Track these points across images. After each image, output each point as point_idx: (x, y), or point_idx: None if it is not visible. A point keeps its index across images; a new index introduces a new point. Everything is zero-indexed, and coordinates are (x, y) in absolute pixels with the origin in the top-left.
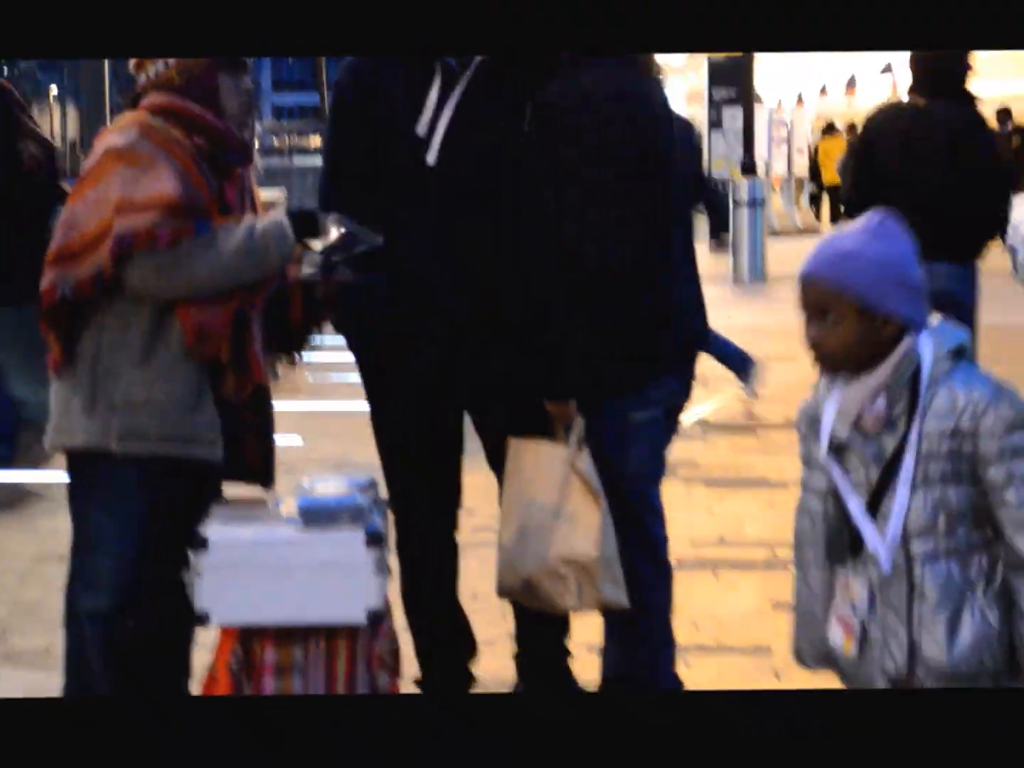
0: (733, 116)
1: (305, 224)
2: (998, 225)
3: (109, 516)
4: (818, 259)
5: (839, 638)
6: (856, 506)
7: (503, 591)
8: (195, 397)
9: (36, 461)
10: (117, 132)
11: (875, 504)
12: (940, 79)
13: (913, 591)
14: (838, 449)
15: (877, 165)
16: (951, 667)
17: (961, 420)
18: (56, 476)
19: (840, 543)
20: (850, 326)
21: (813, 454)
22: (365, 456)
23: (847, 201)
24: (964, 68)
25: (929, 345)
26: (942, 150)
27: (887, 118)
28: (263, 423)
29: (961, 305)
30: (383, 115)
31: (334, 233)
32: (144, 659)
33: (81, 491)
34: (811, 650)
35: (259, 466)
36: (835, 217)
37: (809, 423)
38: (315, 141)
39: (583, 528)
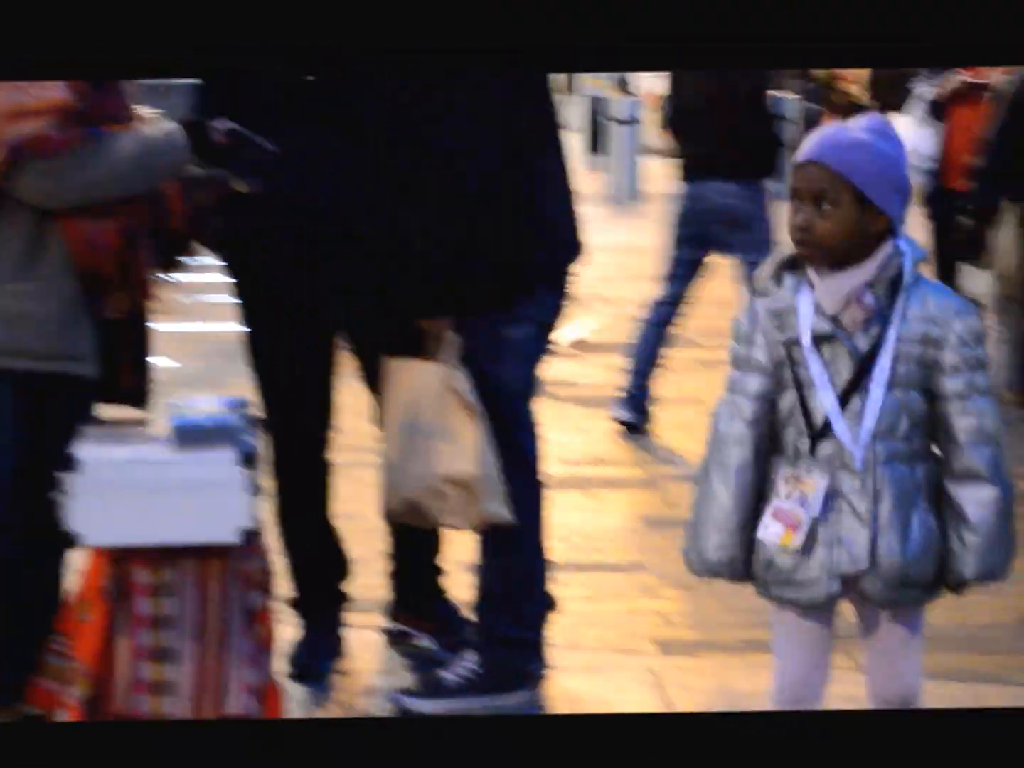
0: None
1: (196, 132)
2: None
3: None
4: (824, 145)
5: (775, 533)
6: (832, 402)
7: (388, 512)
8: (74, 314)
9: None
10: None
11: (843, 402)
12: None
13: (875, 492)
14: (796, 344)
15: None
16: (902, 570)
17: (932, 327)
18: None
19: (787, 441)
20: (846, 213)
21: (753, 356)
22: (237, 377)
23: None
24: None
25: (907, 251)
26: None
27: None
28: (140, 343)
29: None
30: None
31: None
32: (18, 577)
33: None
34: (714, 555)
35: (135, 387)
36: None
37: (767, 319)
38: None
39: (463, 446)
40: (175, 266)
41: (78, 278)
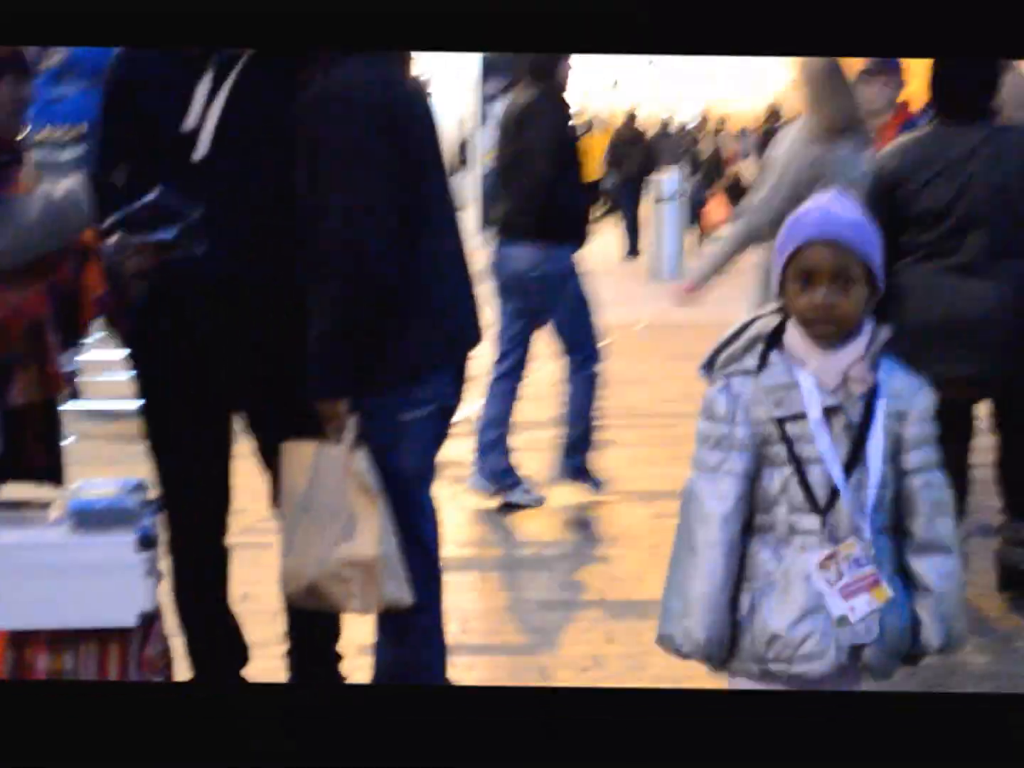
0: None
1: (103, 190)
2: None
3: None
4: (838, 224)
5: (864, 603)
6: (840, 475)
7: (288, 597)
8: None
9: None
10: None
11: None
12: None
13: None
14: (792, 421)
15: None
16: (902, 639)
17: (898, 401)
18: None
19: (775, 520)
20: (861, 291)
21: (736, 435)
22: (134, 456)
23: None
24: None
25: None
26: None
27: None
28: (50, 423)
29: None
30: (150, 108)
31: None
32: None
33: None
34: (704, 635)
35: (44, 465)
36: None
37: (757, 397)
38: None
39: (363, 529)
40: (77, 346)
41: None
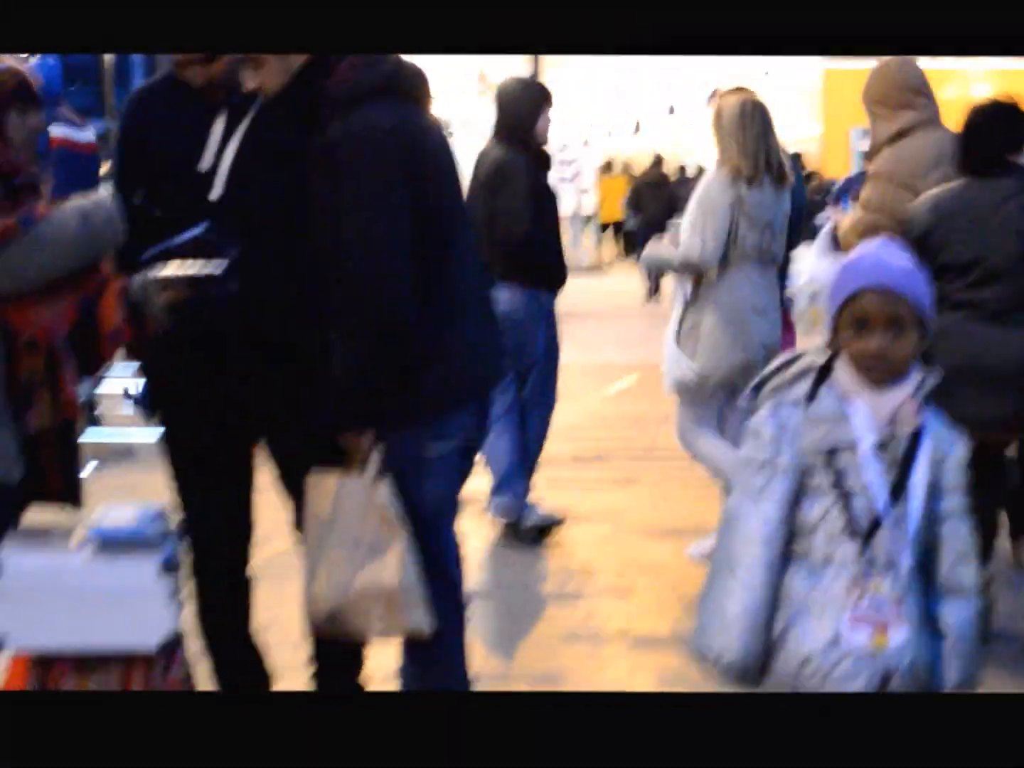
0: None
1: (135, 214)
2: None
3: None
4: (892, 272)
5: (865, 636)
6: (885, 504)
7: (311, 624)
8: (3, 414)
9: None
10: None
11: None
12: None
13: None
14: (838, 452)
15: None
16: (927, 672)
17: (938, 446)
18: None
19: (813, 546)
20: (912, 335)
21: (780, 461)
22: (154, 485)
23: None
24: None
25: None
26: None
27: None
28: (68, 448)
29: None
30: (164, 149)
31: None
32: None
33: None
34: (741, 656)
35: (63, 488)
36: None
37: (804, 427)
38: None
39: (385, 559)
40: (96, 374)
41: (3, 384)
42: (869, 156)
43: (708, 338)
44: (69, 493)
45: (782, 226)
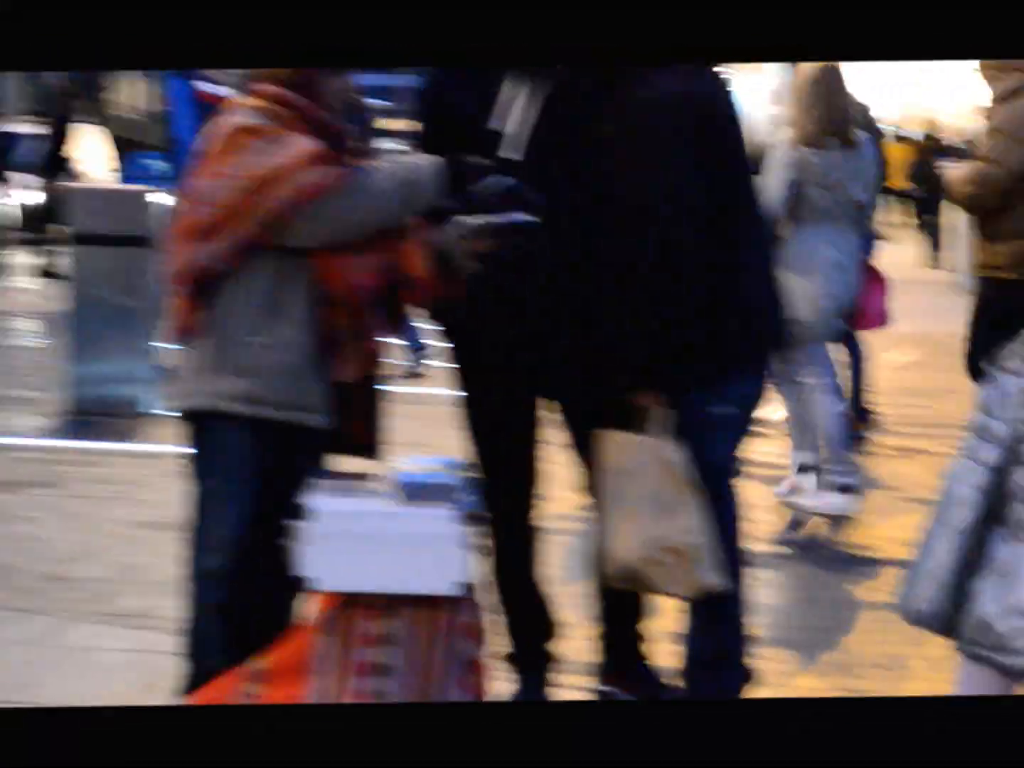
0: None
1: (456, 174)
2: None
3: (224, 478)
4: None
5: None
6: None
7: (604, 580)
8: (308, 368)
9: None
10: (239, 113)
11: None
12: None
13: None
14: None
15: None
16: None
17: None
18: (156, 448)
19: (1014, 515)
20: None
21: (994, 428)
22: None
23: None
24: None
25: None
26: None
27: None
28: (371, 400)
29: None
30: (469, 125)
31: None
32: (252, 621)
33: (199, 454)
34: (923, 607)
35: (366, 440)
36: None
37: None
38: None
39: (681, 516)
40: (397, 328)
41: (314, 334)
42: (988, 114)
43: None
44: (369, 445)
45: (865, 185)
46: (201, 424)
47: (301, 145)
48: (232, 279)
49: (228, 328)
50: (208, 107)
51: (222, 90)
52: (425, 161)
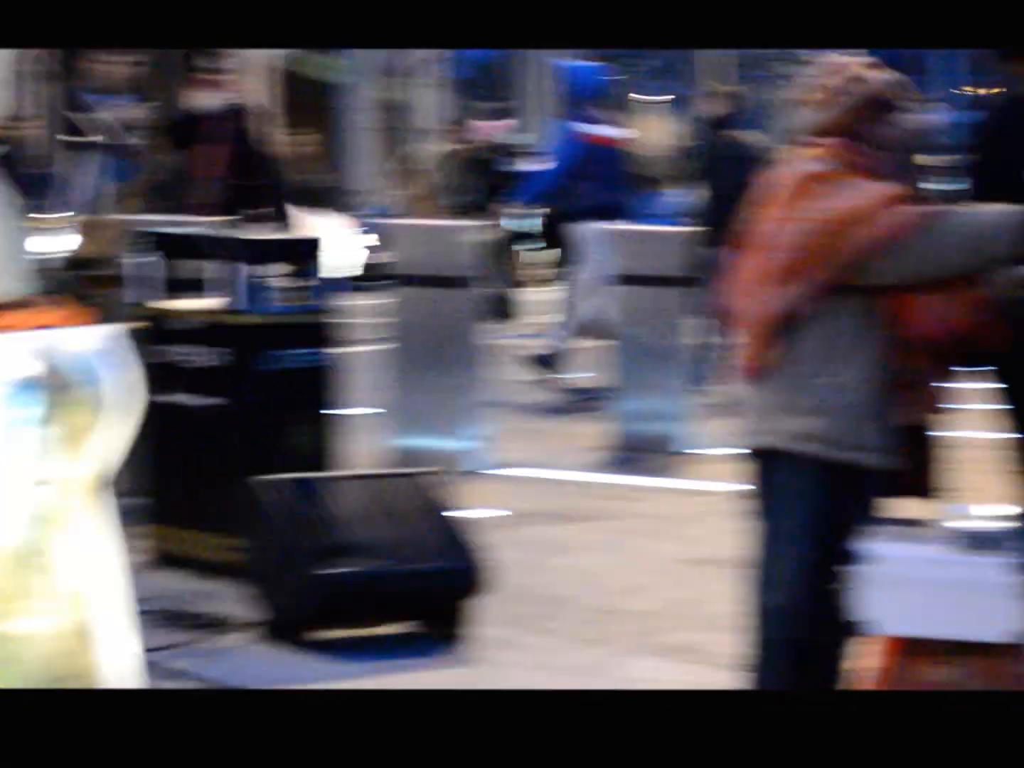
0: None
1: None
2: None
3: (790, 516)
4: None
5: None
6: None
7: None
8: (879, 409)
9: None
10: (804, 162)
11: None
12: None
13: None
14: None
15: None
16: None
17: None
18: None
19: None
20: None
21: None
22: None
23: None
24: None
25: None
26: None
27: None
28: (930, 441)
29: None
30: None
31: None
32: (816, 657)
33: (766, 492)
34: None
35: (922, 484)
36: None
37: None
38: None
39: None
40: (956, 372)
41: (884, 376)
42: None
43: None
44: (924, 489)
45: None
46: (770, 463)
47: (877, 188)
48: (807, 321)
49: (801, 368)
50: (593, 148)
51: (609, 131)
52: (1002, 210)
